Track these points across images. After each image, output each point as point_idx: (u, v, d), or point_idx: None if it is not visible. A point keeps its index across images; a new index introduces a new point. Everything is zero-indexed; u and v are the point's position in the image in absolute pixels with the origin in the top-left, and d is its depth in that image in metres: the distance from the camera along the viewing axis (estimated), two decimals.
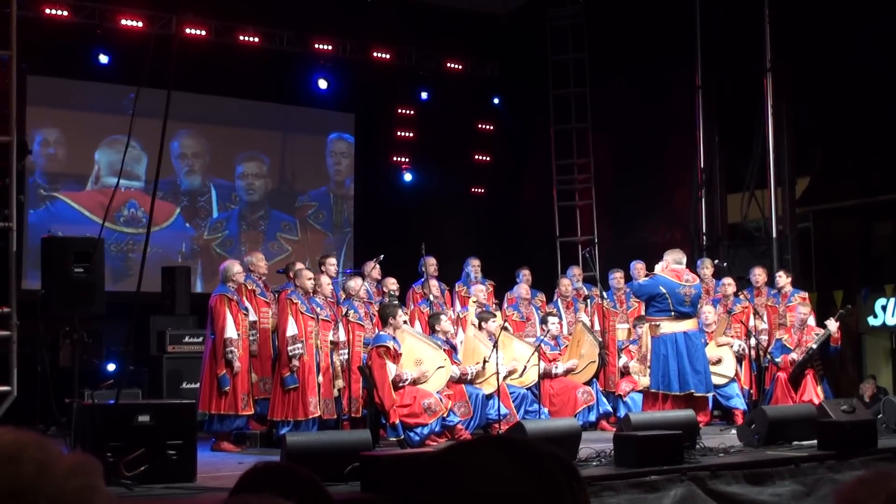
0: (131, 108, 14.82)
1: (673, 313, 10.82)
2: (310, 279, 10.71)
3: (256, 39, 15.68)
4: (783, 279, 12.98)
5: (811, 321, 12.43)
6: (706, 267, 13.28)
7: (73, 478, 1.35)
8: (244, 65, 15.47)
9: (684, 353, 10.73)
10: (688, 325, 10.89)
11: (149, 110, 15.27)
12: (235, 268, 10.80)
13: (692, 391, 10.73)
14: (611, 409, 12.17)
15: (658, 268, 11.22)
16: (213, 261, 15.29)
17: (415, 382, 10.45)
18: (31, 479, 1.32)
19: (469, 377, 11.00)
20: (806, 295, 12.91)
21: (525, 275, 13.17)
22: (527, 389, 11.57)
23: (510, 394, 11.29)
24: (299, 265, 11.40)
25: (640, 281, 11.71)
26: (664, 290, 10.79)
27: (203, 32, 15.06)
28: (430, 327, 11.39)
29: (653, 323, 11.04)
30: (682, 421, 9.38)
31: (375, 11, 16.37)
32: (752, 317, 12.45)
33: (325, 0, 16.18)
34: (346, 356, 10.69)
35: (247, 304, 10.74)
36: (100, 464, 1.41)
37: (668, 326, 10.82)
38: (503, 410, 10.73)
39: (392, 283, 12.07)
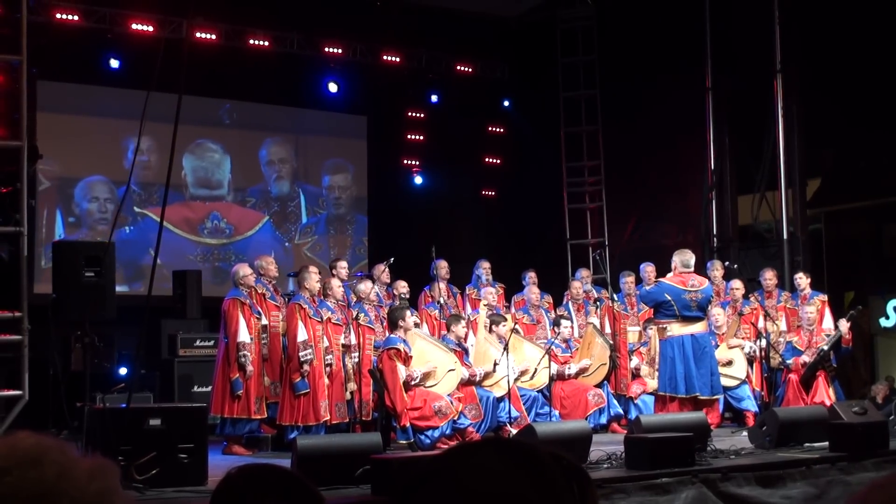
0: (228, 118, 15.72)
1: (679, 317, 10.80)
2: (317, 281, 10.71)
3: (266, 43, 15.70)
4: (803, 281, 12.94)
5: (829, 323, 12.40)
6: (716, 269, 13.28)
7: (93, 480, 1.38)
8: (255, 68, 15.50)
9: (690, 355, 10.70)
10: (696, 327, 10.85)
11: (238, 121, 15.97)
12: (244, 270, 10.82)
13: (697, 394, 10.72)
14: (622, 412, 12.15)
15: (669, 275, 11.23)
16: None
17: (423, 379, 10.45)
18: (53, 482, 1.34)
19: (478, 378, 10.99)
20: (826, 298, 12.85)
21: (531, 277, 13.18)
22: (538, 392, 11.57)
23: (521, 396, 11.29)
24: (311, 268, 11.35)
25: (646, 288, 11.72)
26: (669, 298, 10.78)
27: (213, 36, 15.08)
28: (447, 328, 11.38)
29: (661, 326, 11.03)
30: (692, 423, 9.37)
31: (385, 14, 16.37)
32: (761, 318, 12.42)
33: (334, 3, 16.19)
34: (357, 359, 10.70)
35: (258, 307, 10.75)
36: (117, 467, 1.43)
37: (676, 329, 10.80)
38: (514, 413, 10.73)
39: (403, 287, 12.08)
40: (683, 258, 10.99)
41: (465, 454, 1.40)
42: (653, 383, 11.74)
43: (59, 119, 14.43)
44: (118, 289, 14.43)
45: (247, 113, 16.24)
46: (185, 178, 15.71)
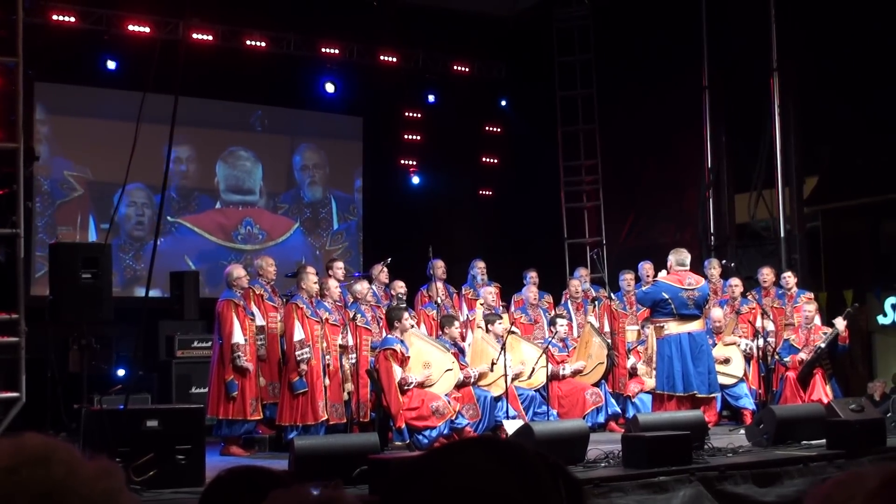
0: (259, 125, 15.84)
1: (676, 315, 10.81)
2: (315, 282, 10.71)
3: (263, 44, 15.67)
4: (791, 280, 12.99)
5: (818, 320, 12.44)
6: (713, 267, 13.29)
7: (100, 480, 1.38)
8: (251, 69, 15.48)
9: (688, 353, 10.72)
10: (693, 326, 10.88)
11: (269, 126, 16.05)
12: (237, 272, 10.82)
13: (695, 392, 10.73)
14: (619, 411, 12.16)
15: (662, 274, 11.23)
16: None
17: (420, 386, 10.45)
18: (61, 481, 1.35)
19: (472, 381, 10.98)
20: (812, 295, 12.91)
21: (532, 277, 13.17)
22: (535, 391, 11.57)
23: (518, 396, 11.29)
24: (309, 268, 11.35)
25: (643, 289, 11.73)
26: (667, 296, 10.79)
27: (210, 37, 15.06)
28: (441, 328, 11.39)
29: (657, 324, 11.04)
30: (690, 421, 9.38)
31: (382, 15, 16.36)
32: (759, 317, 12.43)
33: (331, 4, 16.18)
34: (354, 360, 10.70)
35: (254, 308, 10.75)
36: (122, 469, 1.44)
37: (673, 327, 10.82)
38: (511, 412, 10.73)
39: (400, 287, 12.09)
40: (679, 257, 11.02)
41: (452, 453, 1.41)
42: (650, 382, 11.75)
43: (88, 123, 14.50)
44: (152, 294, 14.53)
45: (279, 118, 16.30)
46: (218, 184, 15.78)
